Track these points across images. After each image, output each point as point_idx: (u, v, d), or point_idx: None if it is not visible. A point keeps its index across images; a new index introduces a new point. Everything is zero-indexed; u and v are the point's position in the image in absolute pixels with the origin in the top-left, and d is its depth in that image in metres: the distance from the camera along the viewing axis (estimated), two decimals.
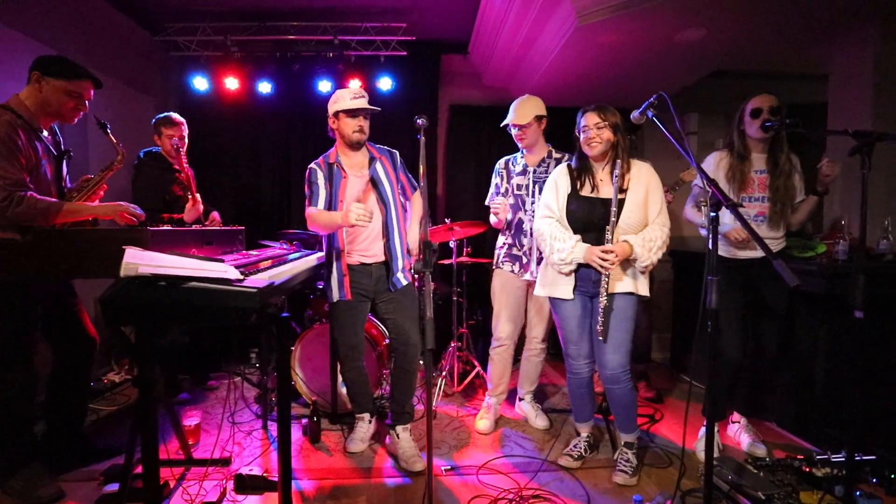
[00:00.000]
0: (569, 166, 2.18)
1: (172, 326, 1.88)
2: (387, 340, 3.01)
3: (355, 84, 3.70)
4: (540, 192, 2.43)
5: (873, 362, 2.35)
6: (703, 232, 2.35)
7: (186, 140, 2.79)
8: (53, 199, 1.89)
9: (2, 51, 2.53)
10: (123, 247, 1.28)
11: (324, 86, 3.76)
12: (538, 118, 2.47)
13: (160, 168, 2.73)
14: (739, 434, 2.44)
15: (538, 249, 2.36)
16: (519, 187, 2.54)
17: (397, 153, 2.42)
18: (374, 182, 2.29)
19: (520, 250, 2.56)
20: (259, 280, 1.33)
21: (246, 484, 2.00)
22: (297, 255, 2.11)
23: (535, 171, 2.52)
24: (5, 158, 1.76)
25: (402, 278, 2.34)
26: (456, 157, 4.24)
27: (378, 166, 2.31)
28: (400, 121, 3.74)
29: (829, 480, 1.81)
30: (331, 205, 2.26)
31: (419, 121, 1.71)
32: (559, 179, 2.16)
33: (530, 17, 2.98)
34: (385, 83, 3.80)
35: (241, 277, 1.29)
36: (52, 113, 1.96)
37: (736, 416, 2.49)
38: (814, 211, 2.26)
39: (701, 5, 2.50)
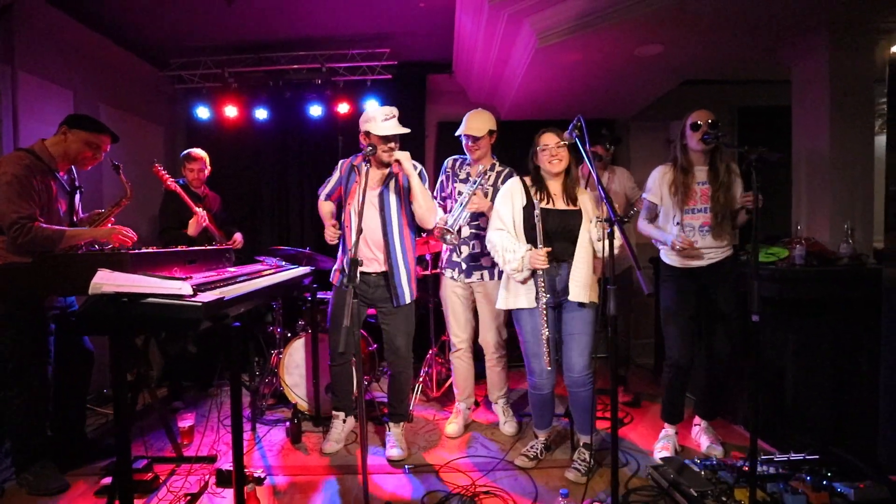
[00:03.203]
0: (523, 180, 2.29)
1: (136, 334, 2.13)
2: (371, 347, 3.20)
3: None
4: None
5: (838, 365, 2.39)
6: (659, 245, 2.45)
7: (206, 171, 3.25)
8: (56, 227, 2.16)
9: (28, 95, 2.88)
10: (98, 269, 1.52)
11: (314, 110, 4.04)
12: (490, 132, 2.60)
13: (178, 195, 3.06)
14: (700, 436, 2.50)
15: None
16: (460, 194, 2.57)
17: (422, 169, 2.42)
18: (382, 196, 2.41)
19: (459, 257, 2.67)
20: (209, 295, 1.53)
21: (226, 478, 2.20)
22: (269, 271, 2.31)
23: (476, 182, 2.58)
24: (20, 196, 2.06)
25: (407, 295, 2.44)
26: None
27: (392, 182, 2.41)
28: None
29: (763, 479, 1.88)
30: (342, 197, 2.48)
31: (363, 151, 1.87)
32: (514, 193, 2.24)
33: (497, 40, 3.16)
34: (372, 105, 4.02)
35: (193, 293, 1.49)
36: (70, 160, 2.28)
37: (697, 419, 2.55)
38: (745, 220, 2.34)
39: (653, 24, 2.62)
